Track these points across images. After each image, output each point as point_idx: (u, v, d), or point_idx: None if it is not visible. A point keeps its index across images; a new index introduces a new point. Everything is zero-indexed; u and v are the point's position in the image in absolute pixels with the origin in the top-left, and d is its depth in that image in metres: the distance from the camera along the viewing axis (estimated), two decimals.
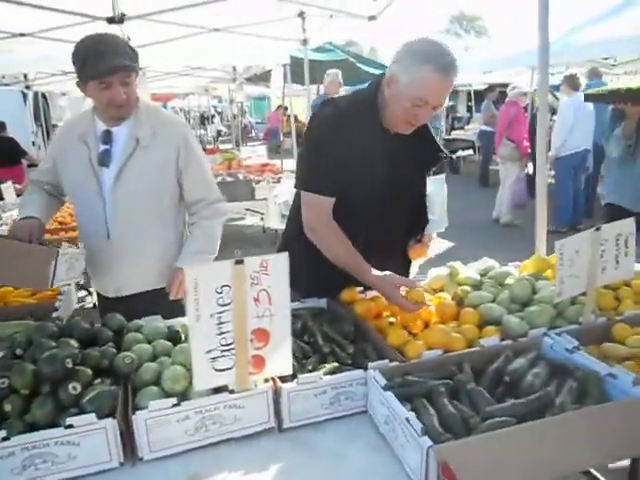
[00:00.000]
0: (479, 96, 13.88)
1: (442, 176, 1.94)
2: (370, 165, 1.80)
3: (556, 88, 9.27)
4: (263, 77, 9.06)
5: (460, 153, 13.34)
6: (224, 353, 1.34)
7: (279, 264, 1.33)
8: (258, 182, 5.58)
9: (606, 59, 8.85)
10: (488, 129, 9.51)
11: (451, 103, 18.03)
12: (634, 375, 1.33)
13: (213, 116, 25.48)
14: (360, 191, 1.83)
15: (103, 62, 1.90)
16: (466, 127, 13.97)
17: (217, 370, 1.34)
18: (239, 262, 1.29)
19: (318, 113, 1.91)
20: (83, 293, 4.07)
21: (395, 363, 1.48)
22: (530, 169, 8.48)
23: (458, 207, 9.15)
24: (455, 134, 13.65)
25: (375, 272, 1.81)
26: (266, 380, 1.43)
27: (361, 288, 1.98)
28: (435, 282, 2.04)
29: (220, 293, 1.29)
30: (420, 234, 1.93)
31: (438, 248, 6.79)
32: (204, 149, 9.09)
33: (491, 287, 1.86)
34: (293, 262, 2.01)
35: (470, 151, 13.36)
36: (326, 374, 1.47)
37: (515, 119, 7.08)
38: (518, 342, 1.58)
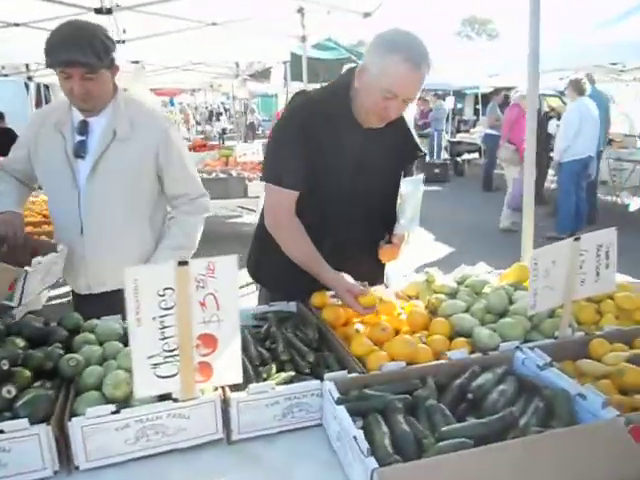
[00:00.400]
0: (486, 99, 13.75)
1: (420, 177, 1.84)
2: (339, 159, 1.72)
3: (564, 93, 9.14)
4: (265, 74, 8.99)
5: (465, 156, 13.24)
6: (167, 359, 1.26)
7: (227, 267, 1.25)
8: (251, 179, 5.51)
9: (614, 64, 8.70)
10: (493, 132, 9.40)
11: (459, 106, 17.91)
12: (604, 397, 1.24)
13: (220, 113, 25.45)
14: (328, 187, 1.75)
15: (62, 53, 1.84)
16: (472, 130, 13.85)
17: (160, 377, 1.26)
18: (183, 264, 1.21)
19: (289, 104, 1.84)
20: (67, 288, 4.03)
21: (354, 374, 1.40)
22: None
23: (461, 211, 9.08)
24: (460, 137, 13.55)
25: (332, 272, 1.74)
26: (215, 389, 1.35)
27: (332, 292, 1.90)
28: (411, 289, 1.95)
29: (162, 296, 1.21)
30: (389, 235, 1.83)
31: (438, 253, 6.71)
32: (205, 145, 9.05)
33: (467, 296, 1.77)
34: (265, 261, 1.95)
35: (475, 154, 13.24)
36: (279, 384, 1.38)
37: (516, 122, 6.95)
38: (488, 356, 1.49)
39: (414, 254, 6.38)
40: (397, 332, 1.72)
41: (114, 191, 2.07)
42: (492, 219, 7.76)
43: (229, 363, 1.30)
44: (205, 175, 5.56)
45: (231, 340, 1.29)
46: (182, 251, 2.13)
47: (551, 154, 7.69)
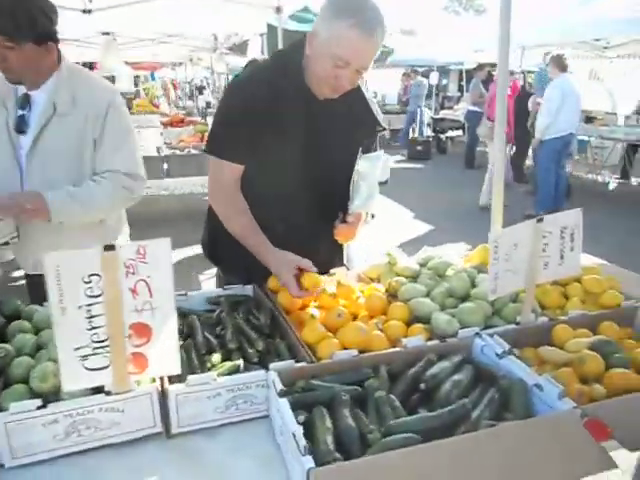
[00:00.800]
0: (471, 75, 13.59)
1: (378, 153, 1.75)
2: (290, 132, 1.62)
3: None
4: (242, 48, 8.75)
5: (449, 133, 13.12)
6: (97, 350, 1.17)
7: (160, 251, 1.15)
8: None
9: (598, 41, 8.61)
10: (475, 109, 9.30)
11: (443, 82, 17.72)
12: (560, 387, 1.18)
13: (203, 87, 24.93)
14: (278, 163, 1.65)
15: None
16: (455, 107, 13.71)
17: (89, 369, 1.17)
18: (109, 248, 1.11)
19: (239, 75, 1.73)
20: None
21: (301, 364, 1.32)
22: (514, 150, 8.32)
23: (442, 188, 9.02)
24: (444, 113, 13.42)
25: (275, 251, 1.66)
26: (153, 380, 1.27)
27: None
28: (372, 271, 1.87)
29: (88, 283, 1.12)
30: (344, 214, 1.72)
31: (417, 231, 6.64)
32: (183, 121, 8.82)
33: (428, 279, 1.70)
34: (221, 241, 1.85)
35: (459, 131, 13.13)
36: (223, 374, 1.30)
37: (493, 98, 6.83)
38: (445, 343, 1.43)
39: (391, 232, 6.41)
40: (355, 317, 1.65)
41: (55, 168, 1.95)
42: (473, 197, 7.70)
43: (165, 353, 1.22)
44: (178, 152, 5.41)
45: (167, 329, 1.20)
46: (77, 205, 1.90)
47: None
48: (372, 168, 1.69)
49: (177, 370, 1.24)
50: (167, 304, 1.19)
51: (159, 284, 1.17)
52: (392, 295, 1.71)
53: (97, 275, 1.12)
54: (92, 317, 1.14)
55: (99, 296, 1.13)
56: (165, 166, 5.06)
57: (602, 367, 1.35)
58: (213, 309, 1.72)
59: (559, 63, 6.39)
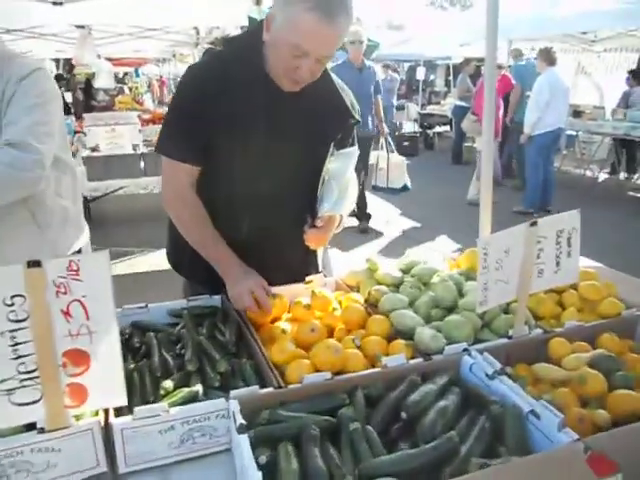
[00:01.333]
0: (458, 70, 13.47)
1: (352, 150, 1.59)
2: (249, 128, 1.46)
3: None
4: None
5: (436, 129, 12.99)
6: (25, 382, 1.00)
7: (97, 266, 0.99)
8: None
9: (585, 34, 8.52)
10: (462, 104, 9.16)
11: (430, 77, 17.59)
12: (560, 416, 1.03)
13: None
14: (240, 162, 1.49)
15: None
16: (442, 102, 13.59)
17: (17, 404, 1.01)
18: (34, 264, 0.95)
19: (193, 65, 1.57)
20: None
21: (267, 390, 1.17)
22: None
23: (428, 184, 8.88)
24: (431, 109, 13.27)
25: (237, 270, 1.51)
26: (96, 413, 1.11)
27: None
28: (351, 278, 1.72)
29: (10, 305, 0.96)
30: (312, 219, 1.56)
31: (403, 227, 6.51)
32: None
33: (410, 288, 1.55)
34: (183, 247, 1.68)
35: (447, 127, 13.00)
36: (176, 404, 1.14)
37: (479, 91, 6.69)
38: (430, 361, 1.28)
39: (377, 228, 6.27)
40: (331, 331, 1.50)
41: None
42: (460, 193, 7.56)
43: (108, 383, 1.06)
44: (151, 149, 5.23)
45: (108, 355, 1.04)
46: None
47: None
48: (345, 166, 1.53)
49: (122, 401, 1.08)
50: (108, 326, 1.03)
51: (97, 305, 1.01)
52: (372, 305, 1.56)
53: (21, 296, 0.96)
54: (17, 345, 0.98)
55: (24, 320, 0.97)
56: (142, 164, 4.87)
57: (604, 387, 1.21)
58: (177, 322, 1.57)
59: (547, 57, 6.27)
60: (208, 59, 1.51)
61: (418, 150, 11.65)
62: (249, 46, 1.46)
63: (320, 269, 1.78)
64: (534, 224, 1.28)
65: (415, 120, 12.87)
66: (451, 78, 14.93)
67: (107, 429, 1.10)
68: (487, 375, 1.20)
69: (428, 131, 12.61)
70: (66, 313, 0.99)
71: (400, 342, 1.34)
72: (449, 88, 15.34)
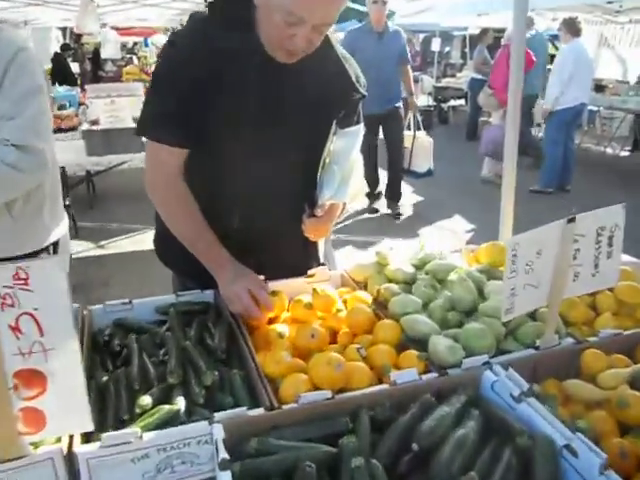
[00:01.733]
0: (475, 42, 13.01)
1: (357, 128, 1.39)
2: (244, 107, 1.28)
3: (557, 37, 8.53)
4: None
5: (451, 102, 12.61)
6: None
7: (50, 273, 0.83)
8: None
9: (610, 3, 8.08)
10: (479, 77, 8.81)
11: (446, 49, 17.07)
12: (603, 456, 0.87)
13: None
14: (231, 144, 1.31)
15: None
16: (458, 75, 13.17)
17: None
18: None
19: (176, 32, 1.38)
20: None
21: (256, 412, 1.01)
22: None
23: (441, 161, 8.60)
24: (446, 82, 12.88)
25: (232, 266, 1.34)
26: (58, 440, 0.96)
27: (262, 277, 1.49)
28: (358, 272, 1.55)
29: None
30: (311, 208, 1.36)
31: (415, 206, 6.29)
32: None
33: (424, 288, 1.38)
34: (172, 238, 1.51)
35: (462, 101, 12.63)
36: (150, 426, 0.99)
37: (498, 64, 6.36)
38: (446, 377, 1.12)
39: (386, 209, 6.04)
40: (334, 334, 1.34)
41: None
42: (475, 170, 7.31)
43: (69, 406, 0.91)
44: None
45: (68, 375, 0.89)
46: None
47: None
48: (349, 147, 1.34)
49: (87, 426, 0.93)
50: (66, 343, 0.87)
51: (52, 318, 0.85)
52: (381, 305, 1.39)
53: None
54: None
55: None
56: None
57: None
58: (165, 320, 1.41)
59: (572, 27, 5.92)
60: (193, 25, 1.32)
61: (432, 124, 11.33)
62: (238, 9, 1.26)
63: (322, 260, 1.60)
64: (572, 220, 1.10)
65: (429, 93, 12.49)
66: (467, 50, 14.45)
67: (71, 458, 0.95)
68: (512, 397, 1.04)
69: (442, 105, 12.24)
70: (15, 328, 0.83)
71: (412, 353, 1.17)
72: (465, 60, 14.86)
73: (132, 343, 1.26)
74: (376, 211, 5.85)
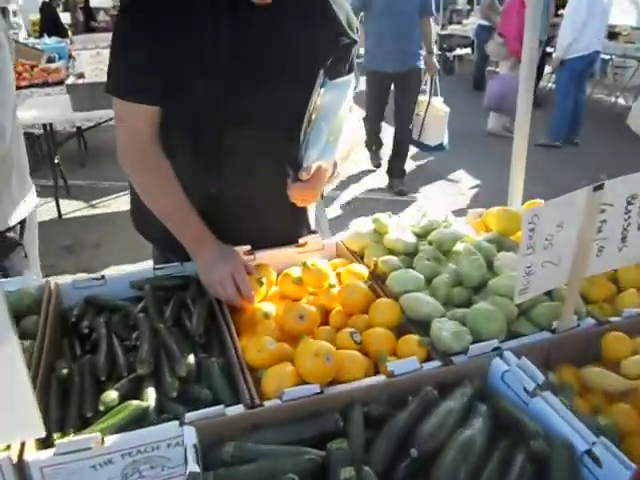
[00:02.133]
0: None
1: (348, 78, 1.21)
2: (219, 56, 1.11)
3: None
4: None
5: (457, 51, 12.14)
6: None
7: None
8: None
9: None
10: (486, 24, 8.39)
11: None
12: (632, 467, 0.74)
13: None
14: (199, 99, 1.15)
15: None
16: (464, 22, 12.62)
17: None
18: None
19: None
20: None
21: (236, 411, 0.89)
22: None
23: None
24: (452, 29, 12.35)
25: (212, 245, 1.22)
26: (7, 447, 0.85)
27: (248, 247, 1.35)
28: (353, 241, 1.40)
29: None
30: (294, 171, 1.19)
31: (418, 159, 6.07)
32: None
33: (427, 260, 1.23)
34: (150, 212, 1.37)
35: (468, 50, 12.14)
36: (113, 428, 0.87)
37: (508, 10, 6.00)
38: (450, 367, 0.99)
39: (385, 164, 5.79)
40: (326, 313, 1.21)
41: None
42: (481, 122, 7.04)
43: (14, 411, 0.78)
44: None
45: (10, 378, 0.76)
46: None
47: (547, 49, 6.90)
48: (338, 100, 1.16)
49: (37, 432, 0.81)
50: (3, 343, 0.74)
51: None
52: (379, 278, 1.25)
53: None
54: None
55: None
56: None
57: None
58: (141, 296, 1.28)
59: None
60: None
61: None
62: None
63: (313, 227, 1.45)
64: (599, 188, 0.94)
65: (435, 42, 12.00)
66: None
67: (23, 466, 0.83)
68: (526, 390, 0.91)
69: (448, 54, 11.78)
70: None
71: (412, 338, 1.04)
72: (472, 6, 14.23)
73: (100, 327, 1.13)
74: (379, 165, 5.56)
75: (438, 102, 4.64)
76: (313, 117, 1.13)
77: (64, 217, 4.24)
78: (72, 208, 4.35)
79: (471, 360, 1.00)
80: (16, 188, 1.54)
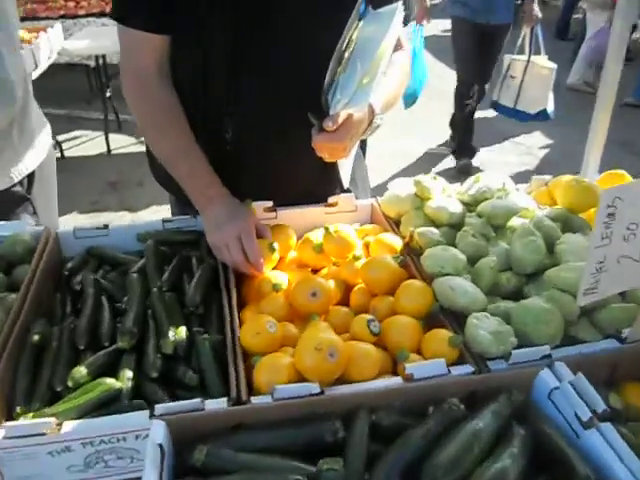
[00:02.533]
0: None
1: (392, 7, 0.95)
2: None
3: None
4: None
5: None
6: None
7: None
8: None
9: None
10: None
11: None
12: None
13: None
14: (216, 34, 0.98)
15: None
16: None
17: None
18: None
19: None
20: None
21: (218, 404, 0.75)
22: None
23: None
24: None
25: (223, 201, 1.05)
26: None
27: (269, 203, 1.18)
28: (389, 205, 1.20)
29: None
30: (319, 118, 0.98)
31: (484, 112, 5.61)
32: None
33: (472, 237, 1.02)
34: None
35: None
36: (76, 413, 0.75)
37: None
38: (484, 375, 0.81)
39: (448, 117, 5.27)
40: (348, 290, 1.04)
41: None
42: (561, 75, 6.41)
43: None
44: None
45: None
46: None
47: None
48: (379, 34, 0.93)
49: None
50: None
51: None
52: (415, 253, 1.06)
53: None
54: None
55: None
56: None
57: None
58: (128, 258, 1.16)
59: None
60: None
61: (518, 19, 10.09)
62: None
63: (346, 186, 1.25)
64: None
65: None
66: None
67: None
68: (579, 418, 0.72)
69: None
70: None
71: (442, 334, 0.86)
72: None
73: (88, 286, 1.00)
74: (467, 171, 3.95)
75: (540, 60, 3.84)
76: (346, 55, 0.91)
77: (113, 152, 4.19)
78: (121, 144, 4.28)
79: (512, 369, 0.81)
80: (17, 135, 1.37)
